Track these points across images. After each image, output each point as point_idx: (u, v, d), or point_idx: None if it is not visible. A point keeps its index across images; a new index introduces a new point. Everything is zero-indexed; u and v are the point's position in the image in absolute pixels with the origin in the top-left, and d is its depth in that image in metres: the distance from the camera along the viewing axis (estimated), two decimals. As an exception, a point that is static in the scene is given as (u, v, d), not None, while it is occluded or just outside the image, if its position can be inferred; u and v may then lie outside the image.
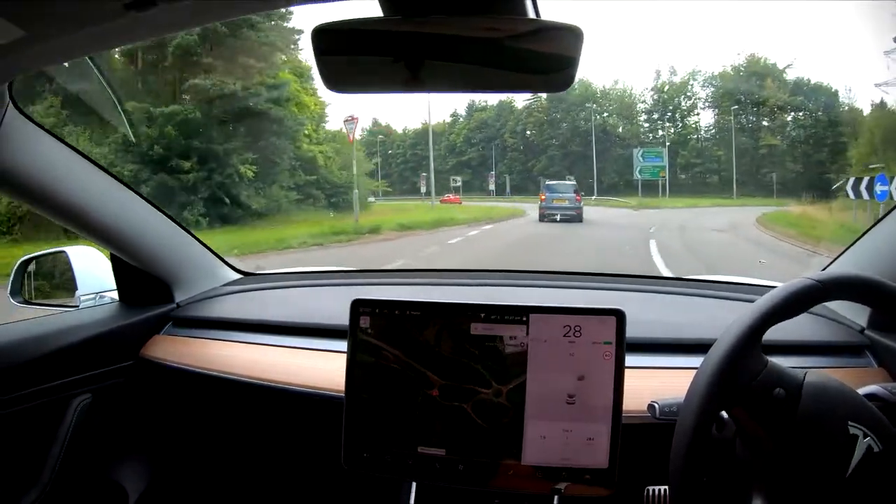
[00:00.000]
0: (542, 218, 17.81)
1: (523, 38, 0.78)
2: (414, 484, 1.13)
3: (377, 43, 0.79)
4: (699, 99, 36.67)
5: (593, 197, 30.91)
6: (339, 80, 0.83)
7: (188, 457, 1.59)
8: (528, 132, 40.29)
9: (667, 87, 36.98)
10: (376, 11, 0.77)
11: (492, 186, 38.84)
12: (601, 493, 0.99)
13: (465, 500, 1.09)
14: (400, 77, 0.80)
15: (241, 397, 1.38)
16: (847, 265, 1.32)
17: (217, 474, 1.61)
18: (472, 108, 42.69)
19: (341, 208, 20.32)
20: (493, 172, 39.69)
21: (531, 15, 0.78)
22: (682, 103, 36.75)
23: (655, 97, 37.46)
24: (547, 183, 19.96)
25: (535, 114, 39.94)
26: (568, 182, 21.57)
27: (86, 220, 1.31)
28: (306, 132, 19.80)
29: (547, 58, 0.79)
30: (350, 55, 0.80)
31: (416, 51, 0.78)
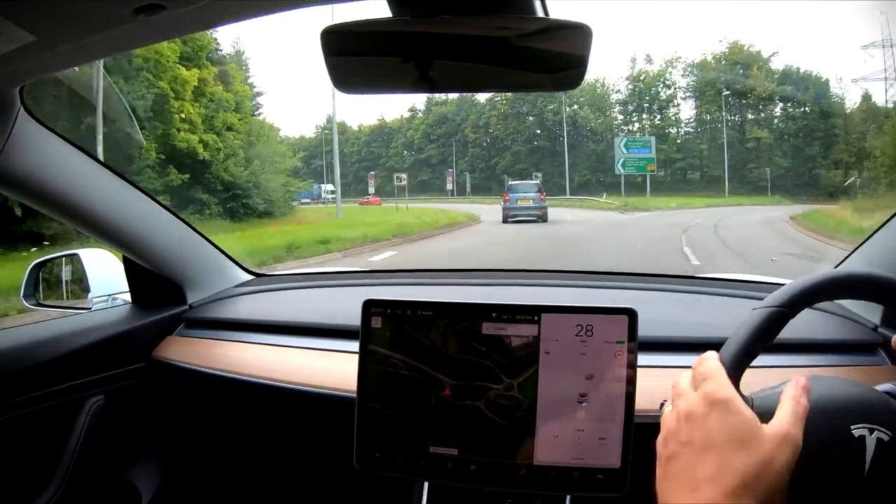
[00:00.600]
0: (506, 219, 17.44)
1: (532, 37, 0.78)
2: (426, 484, 1.13)
3: (386, 43, 0.79)
4: (679, 88, 34.92)
5: (565, 197, 29.26)
6: (348, 81, 0.83)
7: (201, 457, 1.60)
8: (492, 127, 38.51)
9: (643, 77, 34.96)
10: (385, 12, 0.77)
11: (450, 186, 36.56)
12: (613, 494, 0.99)
13: (477, 500, 1.09)
14: (409, 77, 0.80)
15: (254, 398, 1.38)
16: (859, 262, 1.31)
17: (230, 474, 1.62)
18: (431, 102, 41.32)
19: (242, 217, 17.73)
20: (452, 171, 37.39)
21: (540, 14, 0.78)
22: (661, 93, 34.98)
23: (631, 87, 35.55)
24: (510, 183, 19.56)
25: (498, 106, 37.80)
26: (531, 181, 21.03)
27: (97, 223, 1.32)
28: (184, 116, 16.73)
29: (556, 56, 0.79)
30: (359, 56, 0.81)
31: (426, 51, 0.78)
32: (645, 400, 0.98)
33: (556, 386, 1.00)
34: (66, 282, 1.80)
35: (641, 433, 0.97)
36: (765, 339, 0.74)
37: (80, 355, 1.35)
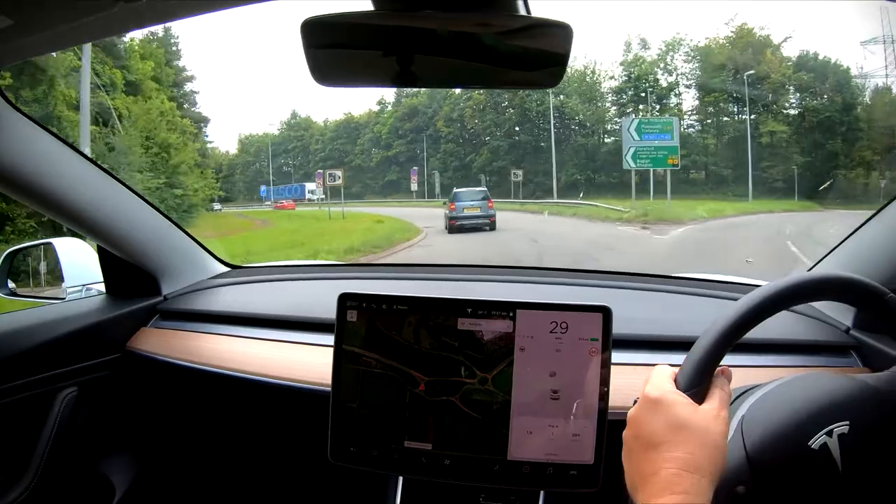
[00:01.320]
0: (452, 229, 16.17)
1: (514, 34, 0.78)
2: (401, 478, 1.14)
3: (367, 37, 0.79)
4: (682, 75, 29.88)
5: (551, 201, 25.36)
6: (327, 73, 0.82)
7: (175, 450, 1.59)
8: (467, 120, 34.75)
9: (640, 62, 30.54)
10: (366, 5, 0.77)
11: (414, 187, 32.95)
12: (587, 489, 1.00)
13: (451, 495, 1.10)
14: (389, 71, 0.80)
15: (229, 391, 1.38)
16: (833, 266, 1.33)
17: (204, 467, 1.60)
18: (401, 94, 37.41)
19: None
20: (416, 168, 33.97)
21: (522, 12, 0.78)
22: (661, 80, 30.21)
23: (626, 74, 30.87)
24: (455, 191, 18.26)
25: (475, 96, 33.47)
26: (478, 188, 19.70)
27: (73, 211, 1.30)
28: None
29: (537, 54, 0.80)
30: (339, 49, 0.80)
31: (407, 45, 0.78)
32: (618, 397, 0.99)
33: (530, 382, 1.01)
34: (40, 271, 1.77)
35: (615, 430, 0.98)
36: (731, 340, 0.76)
37: (54, 346, 1.33)
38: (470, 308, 1.03)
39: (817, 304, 1.33)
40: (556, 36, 0.78)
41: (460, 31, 0.78)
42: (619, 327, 1.00)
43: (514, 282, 1.63)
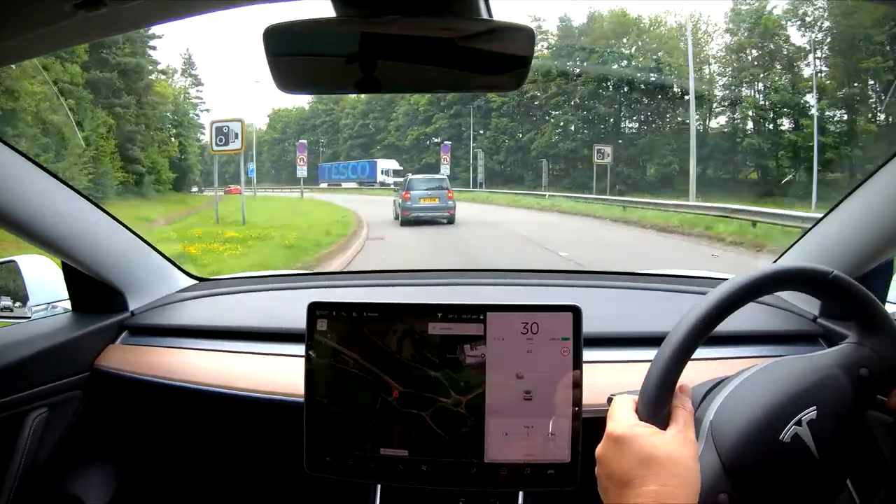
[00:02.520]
0: (405, 221, 14.53)
1: (477, 38, 0.79)
2: (379, 486, 1.13)
3: (330, 43, 0.79)
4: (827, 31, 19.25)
5: (644, 199, 17.62)
6: (291, 81, 0.82)
7: (150, 468, 1.56)
8: (527, 85, 21.36)
9: (763, 13, 21.15)
10: (328, 12, 0.76)
11: (445, 170, 23.91)
12: (565, 488, 1.01)
13: (430, 501, 1.09)
14: (353, 77, 0.80)
15: (201, 406, 1.35)
16: (797, 257, 1.36)
17: (181, 484, 1.58)
18: None
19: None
20: (448, 144, 26.71)
21: (484, 16, 0.79)
22: (792, 37, 21.14)
23: (747, 28, 21.14)
24: (410, 178, 16.31)
25: (539, 55, 25.15)
26: (437, 176, 17.44)
27: (33, 227, 1.26)
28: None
29: (500, 58, 0.80)
30: (302, 56, 0.80)
31: (370, 51, 0.78)
32: (592, 394, 1.00)
33: (502, 384, 1.01)
34: (4, 290, 1.72)
35: (590, 427, 0.99)
36: (684, 357, 0.77)
37: (21, 367, 1.30)
38: (441, 312, 1.03)
39: (785, 295, 1.36)
40: (518, 39, 0.79)
41: (423, 36, 0.78)
42: (590, 326, 1.01)
43: (485, 284, 1.64)
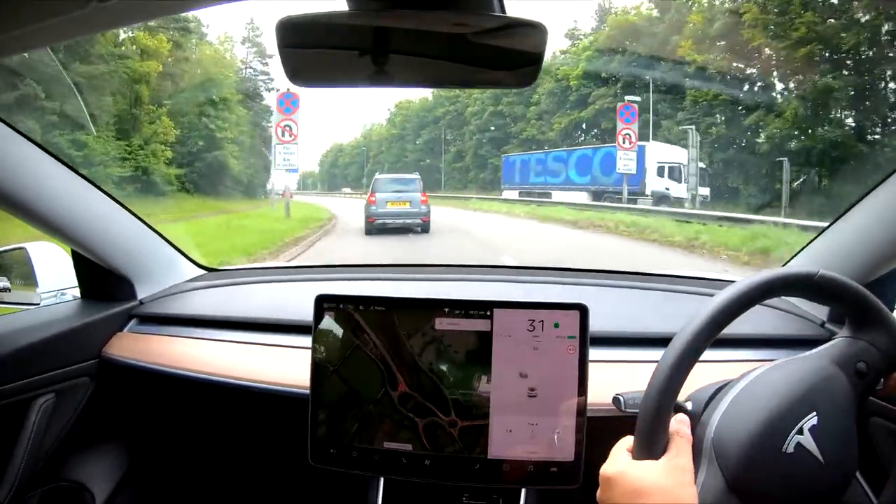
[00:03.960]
0: (369, 231, 12.23)
1: (489, 34, 0.78)
2: (382, 479, 1.13)
3: (342, 36, 0.79)
4: None
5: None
6: (302, 73, 0.82)
7: (155, 457, 1.57)
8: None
9: None
10: (342, 5, 0.76)
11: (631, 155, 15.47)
12: (568, 486, 1.01)
13: (433, 495, 1.10)
14: (365, 71, 0.80)
15: (207, 396, 1.36)
16: (807, 262, 1.35)
17: (186, 473, 1.59)
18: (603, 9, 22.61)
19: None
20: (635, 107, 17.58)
21: (497, 11, 0.79)
22: None
23: None
24: (377, 177, 14.06)
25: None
26: (409, 176, 14.57)
27: (45, 215, 1.28)
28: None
29: (512, 54, 0.80)
30: (314, 49, 0.80)
31: (382, 45, 0.78)
32: (597, 394, 1.00)
33: (508, 381, 1.01)
34: (13, 276, 1.74)
35: (594, 427, 0.99)
36: (676, 386, 0.76)
37: (29, 353, 1.31)
38: (447, 308, 1.04)
39: (793, 300, 1.35)
40: (531, 36, 0.78)
41: (435, 31, 0.78)
42: (596, 325, 1.01)
43: (492, 281, 1.64)
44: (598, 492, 0.77)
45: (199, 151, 20.02)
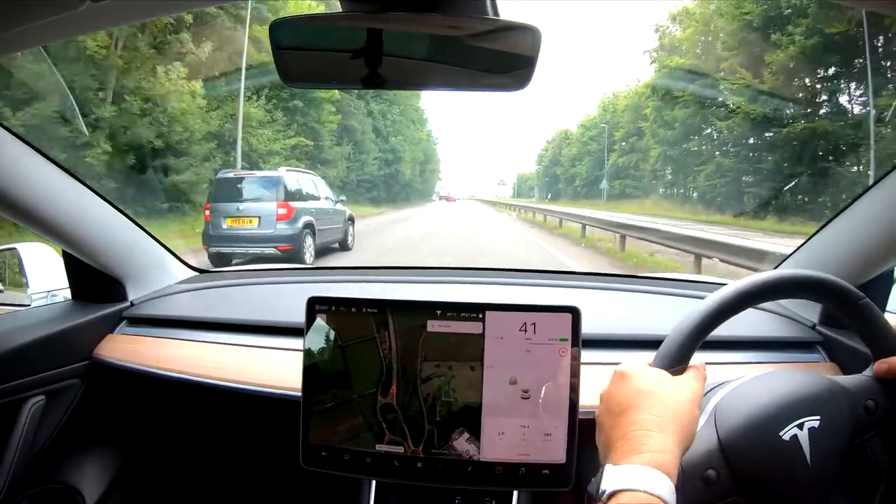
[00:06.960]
0: (210, 257, 8.48)
1: (483, 37, 0.79)
2: (374, 481, 1.13)
3: (336, 38, 0.79)
4: None
5: None
6: (296, 74, 0.83)
7: (147, 458, 1.56)
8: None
9: None
10: (335, 7, 0.77)
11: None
12: (560, 488, 1.01)
13: (425, 497, 1.10)
14: (358, 73, 0.80)
15: (199, 397, 1.36)
16: (798, 263, 1.36)
17: (177, 475, 1.58)
18: None
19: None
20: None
21: (490, 15, 0.79)
22: None
23: None
24: (219, 176, 9.63)
25: None
26: (269, 174, 9.96)
27: (36, 215, 1.27)
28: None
29: (506, 57, 0.80)
30: (308, 50, 0.80)
31: (375, 47, 0.78)
32: (589, 396, 1.00)
33: (500, 384, 1.01)
34: (4, 277, 1.73)
35: (586, 429, 0.99)
36: (702, 335, 0.78)
37: (19, 354, 1.30)
38: (440, 310, 1.03)
39: (783, 302, 1.36)
40: (524, 39, 0.79)
41: (429, 34, 0.78)
42: (588, 327, 1.01)
43: (484, 283, 1.64)
44: (604, 390, 0.78)
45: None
